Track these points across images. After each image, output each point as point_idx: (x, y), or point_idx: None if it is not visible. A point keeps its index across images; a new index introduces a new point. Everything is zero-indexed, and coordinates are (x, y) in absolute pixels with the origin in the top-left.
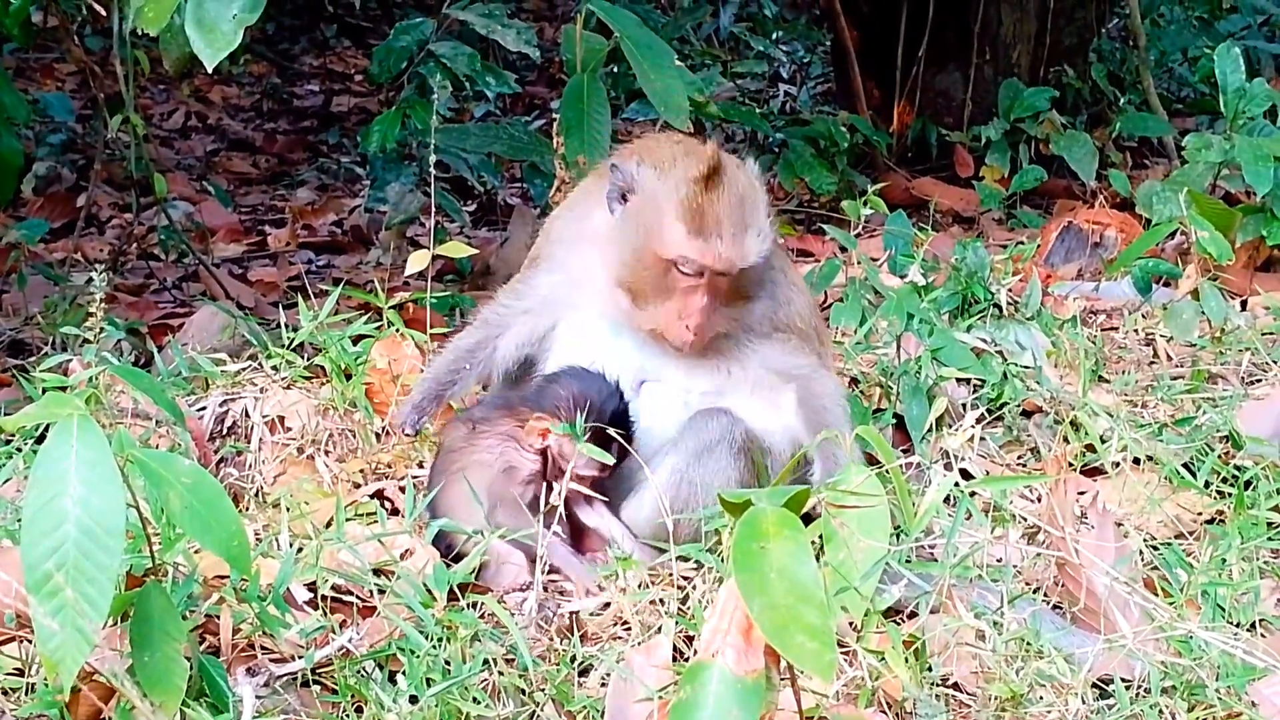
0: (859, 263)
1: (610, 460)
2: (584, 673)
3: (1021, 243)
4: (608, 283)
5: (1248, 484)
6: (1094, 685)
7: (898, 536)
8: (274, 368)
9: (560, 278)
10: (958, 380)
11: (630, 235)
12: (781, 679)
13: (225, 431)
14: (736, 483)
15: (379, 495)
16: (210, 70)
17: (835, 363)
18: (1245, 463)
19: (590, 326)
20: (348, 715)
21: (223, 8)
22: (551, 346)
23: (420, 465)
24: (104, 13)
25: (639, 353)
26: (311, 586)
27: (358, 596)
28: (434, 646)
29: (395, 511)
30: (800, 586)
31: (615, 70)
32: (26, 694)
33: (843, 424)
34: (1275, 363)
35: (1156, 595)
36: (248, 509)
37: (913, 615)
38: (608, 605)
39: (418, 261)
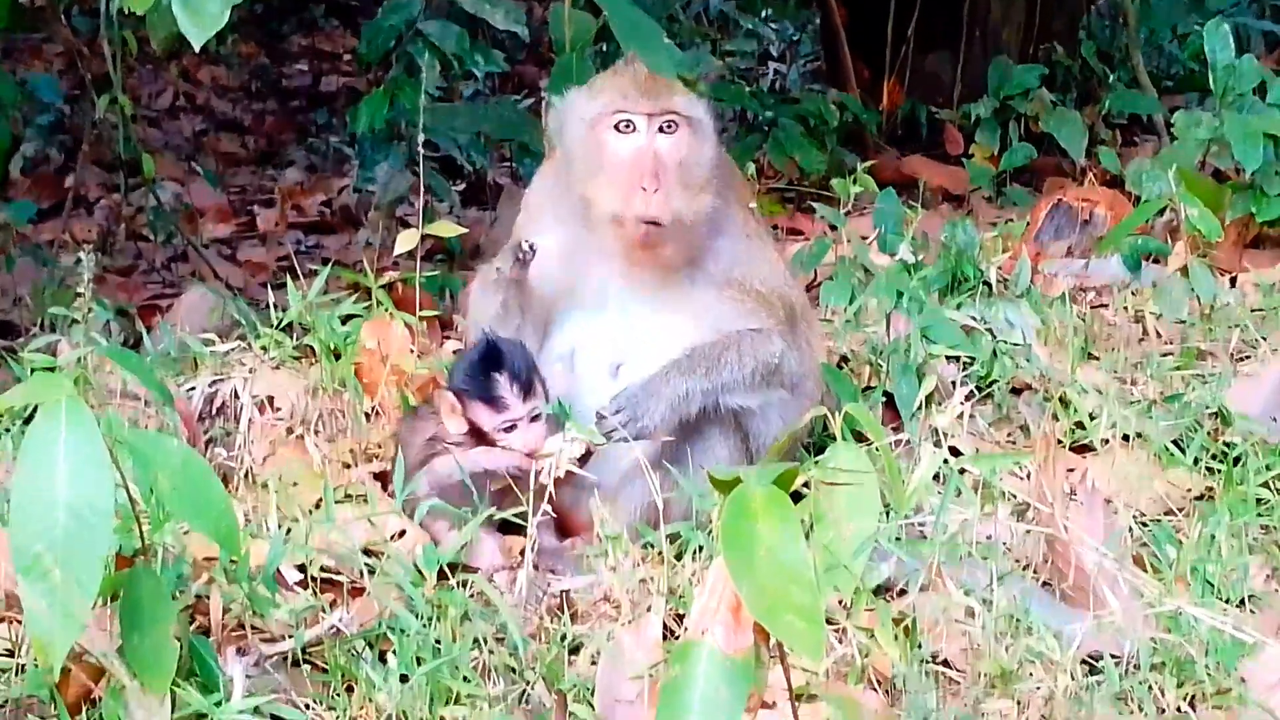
0: (848, 241)
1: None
2: (574, 651)
3: (1011, 220)
4: (577, 210)
5: (1237, 461)
6: (1083, 662)
7: (887, 514)
8: (263, 348)
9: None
10: (947, 358)
11: (570, 140)
12: (771, 657)
13: (214, 412)
14: (726, 460)
15: (373, 476)
16: (198, 50)
17: (824, 343)
18: (1234, 440)
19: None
20: (338, 694)
21: None
22: None
23: None
24: None
25: (614, 337)
26: (301, 567)
27: (347, 577)
28: (424, 626)
29: (385, 490)
30: (789, 566)
31: (604, 49)
32: (17, 674)
33: (738, 372)
34: (1264, 340)
35: (1146, 572)
36: (237, 490)
37: (902, 593)
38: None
39: (406, 241)
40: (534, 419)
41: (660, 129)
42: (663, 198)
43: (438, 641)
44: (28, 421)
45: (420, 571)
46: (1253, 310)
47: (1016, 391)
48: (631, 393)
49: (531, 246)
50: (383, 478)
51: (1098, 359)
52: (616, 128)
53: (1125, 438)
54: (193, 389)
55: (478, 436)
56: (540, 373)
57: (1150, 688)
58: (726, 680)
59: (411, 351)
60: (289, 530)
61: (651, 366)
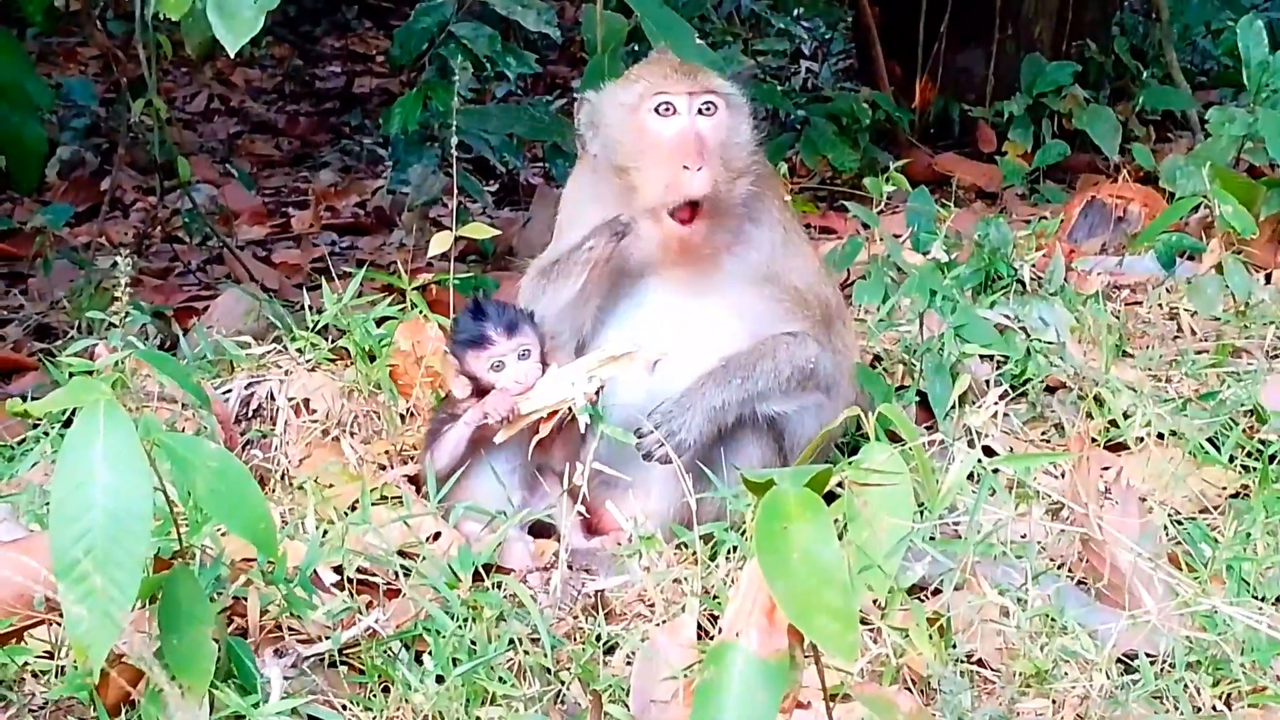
0: (881, 240)
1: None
2: (609, 651)
3: (1044, 218)
4: (615, 205)
5: (1272, 458)
6: (1118, 661)
7: (921, 514)
8: (298, 350)
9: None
10: (981, 357)
11: (609, 129)
12: (806, 658)
13: (250, 414)
14: (759, 460)
15: (407, 479)
16: (233, 55)
17: (858, 342)
18: (1269, 437)
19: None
20: (374, 695)
21: None
22: None
23: None
24: None
25: (653, 334)
26: (338, 568)
27: (383, 578)
28: (459, 627)
29: (419, 492)
30: (822, 567)
31: (636, 49)
32: (56, 676)
33: (774, 380)
34: None
35: (1181, 570)
36: (273, 492)
37: (937, 592)
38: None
39: (440, 243)
40: (522, 356)
41: (700, 110)
42: (706, 175)
43: (473, 642)
44: (67, 425)
45: (455, 573)
46: None
47: (1050, 390)
48: (667, 408)
49: (627, 222)
50: (417, 480)
51: (1132, 357)
52: (657, 110)
53: (1160, 436)
54: (229, 391)
55: (480, 395)
56: (532, 321)
57: (1186, 686)
58: (761, 681)
59: (445, 353)
60: (325, 532)
61: (691, 363)
